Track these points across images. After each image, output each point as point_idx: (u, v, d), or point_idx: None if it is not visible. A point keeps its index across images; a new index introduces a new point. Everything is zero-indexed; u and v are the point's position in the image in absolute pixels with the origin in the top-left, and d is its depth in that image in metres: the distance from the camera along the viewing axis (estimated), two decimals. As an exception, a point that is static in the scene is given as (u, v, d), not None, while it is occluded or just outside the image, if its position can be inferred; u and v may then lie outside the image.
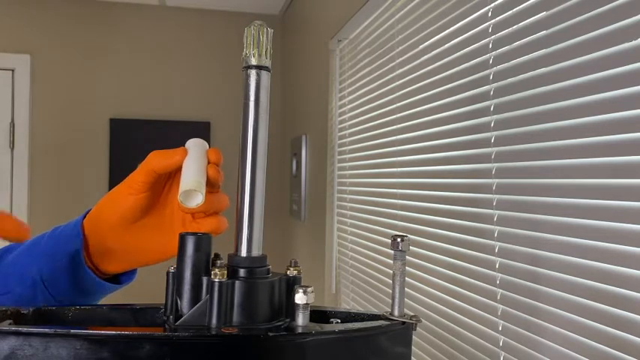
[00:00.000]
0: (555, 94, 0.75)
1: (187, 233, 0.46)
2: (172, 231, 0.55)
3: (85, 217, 0.57)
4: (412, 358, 0.49)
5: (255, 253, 0.47)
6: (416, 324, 0.48)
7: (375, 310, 0.58)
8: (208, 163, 0.53)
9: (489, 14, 0.91)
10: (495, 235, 0.90)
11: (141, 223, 0.55)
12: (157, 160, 0.53)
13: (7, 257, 0.57)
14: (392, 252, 0.49)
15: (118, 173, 2.79)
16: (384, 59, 1.42)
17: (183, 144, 0.55)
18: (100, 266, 0.57)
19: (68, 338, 0.38)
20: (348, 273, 1.72)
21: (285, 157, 2.80)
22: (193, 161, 0.51)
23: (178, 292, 0.44)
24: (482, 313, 0.94)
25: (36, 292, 0.54)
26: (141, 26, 2.98)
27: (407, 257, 0.50)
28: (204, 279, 0.44)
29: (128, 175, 0.55)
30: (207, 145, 0.54)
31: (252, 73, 0.48)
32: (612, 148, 0.66)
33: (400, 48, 1.32)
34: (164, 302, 0.46)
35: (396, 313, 0.48)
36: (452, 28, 1.06)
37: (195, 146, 0.53)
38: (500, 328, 0.88)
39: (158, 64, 2.98)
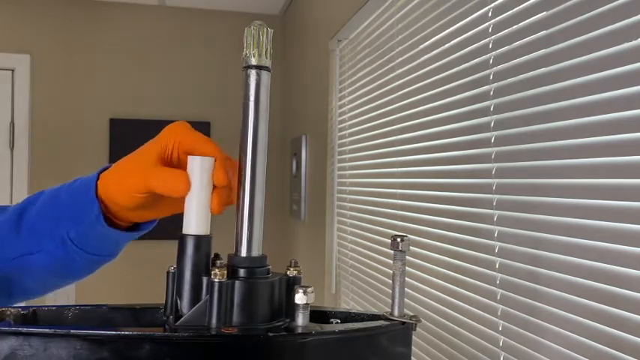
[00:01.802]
0: (555, 94, 0.75)
1: (187, 233, 0.46)
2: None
3: (100, 174, 0.56)
4: (412, 358, 0.49)
5: (255, 253, 0.47)
6: (416, 324, 0.48)
7: (375, 310, 0.58)
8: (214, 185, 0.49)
9: (489, 14, 0.91)
10: (495, 235, 0.89)
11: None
12: (159, 183, 0.50)
13: (31, 210, 0.57)
14: (392, 252, 0.49)
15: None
16: (384, 59, 1.42)
17: None
18: (122, 219, 0.57)
19: (68, 338, 0.39)
20: (348, 273, 1.72)
21: (285, 157, 2.80)
22: (197, 201, 0.47)
23: (178, 292, 0.44)
24: (482, 313, 0.94)
25: (67, 249, 0.55)
26: (141, 26, 2.98)
27: (407, 257, 0.50)
28: (204, 279, 0.44)
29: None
30: (213, 165, 0.49)
31: (252, 73, 0.48)
32: (612, 148, 0.66)
33: (400, 48, 1.32)
34: (164, 302, 0.46)
35: (396, 313, 0.48)
36: (452, 28, 1.06)
37: (201, 174, 0.48)
38: (500, 328, 0.88)
39: (158, 64, 2.98)
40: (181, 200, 0.49)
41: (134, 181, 0.52)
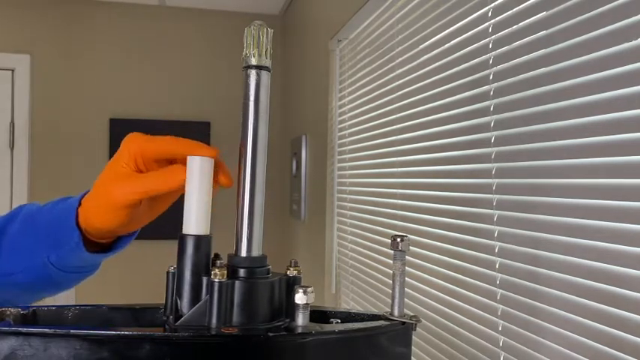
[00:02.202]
0: (555, 94, 0.75)
1: (187, 233, 0.46)
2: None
3: (81, 200, 0.55)
4: (412, 358, 0.49)
5: (255, 253, 0.47)
6: (416, 324, 0.48)
7: (375, 310, 0.58)
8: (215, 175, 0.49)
9: (489, 14, 0.91)
10: (495, 235, 0.89)
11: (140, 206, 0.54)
12: (153, 183, 0.49)
13: (9, 229, 0.57)
14: (392, 252, 0.49)
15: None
16: (384, 59, 1.42)
17: None
18: (103, 237, 0.56)
19: (68, 338, 0.39)
20: (348, 273, 1.72)
21: (285, 157, 2.80)
22: (197, 200, 0.47)
23: (178, 292, 0.44)
24: (482, 313, 0.94)
25: (48, 270, 0.56)
26: (141, 26, 2.98)
27: (407, 257, 0.50)
28: (204, 279, 0.44)
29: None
30: (212, 165, 0.49)
31: (252, 73, 0.48)
32: (612, 148, 0.66)
33: (400, 48, 1.32)
34: (164, 302, 0.46)
35: (396, 313, 0.48)
36: (452, 28, 1.06)
37: (200, 174, 0.48)
38: (500, 328, 0.88)
39: (158, 64, 2.98)
40: (160, 205, 0.51)
41: (119, 197, 0.50)
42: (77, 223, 0.54)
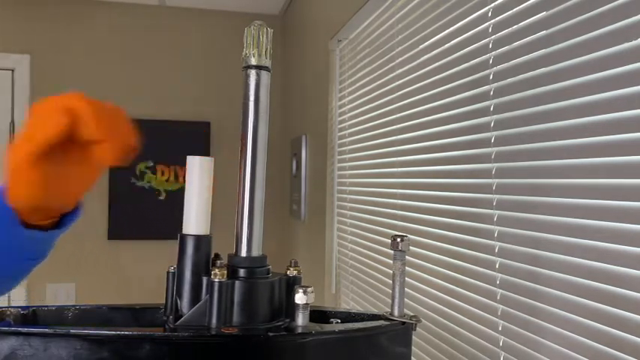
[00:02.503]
0: (555, 94, 0.75)
1: (187, 233, 0.46)
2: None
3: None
4: (412, 358, 0.49)
5: (255, 253, 0.47)
6: (416, 324, 0.48)
7: (375, 310, 0.58)
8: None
9: (489, 14, 0.91)
10: (495, 235, 0.89)
11: (54, 174, 0.52)
12: (39, 132, 0.50)
13: None
14: (392, 252, 0.49)
15: (117, 173, 2.79)
16: (384, 59, 1.42)
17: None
18: (43, 218, 0.54)
19: (68, 338, 0.39)
20: (348, 273, 1.72)
21: (285, 157, 2.80)
22: (197, 201, 0.47)
23: (178, 292, 0.45)
24: (482, 313, 0.94)
25: None
26: (140, 26, 2.98)
27: (407, 257, 0.50)
28: (204, 279, 0.44)
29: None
30: (212, 165, 0.49)
31: (252, 72, 0.48)
32: (612, 148, 0.66)
33: (400, 48, 1.32)
34: (164, 302, 0.46)
35: (396, 313, 0.49)
36: (452, 28, 1.06)
37: (201, 174, 0.48)
38: (500, 328, 0.88)
39: (158, 64, 2.98)
40: (73, 168, 0.51)
41: (18, 159, 0.51)
42: (5, 203, 0.52)
